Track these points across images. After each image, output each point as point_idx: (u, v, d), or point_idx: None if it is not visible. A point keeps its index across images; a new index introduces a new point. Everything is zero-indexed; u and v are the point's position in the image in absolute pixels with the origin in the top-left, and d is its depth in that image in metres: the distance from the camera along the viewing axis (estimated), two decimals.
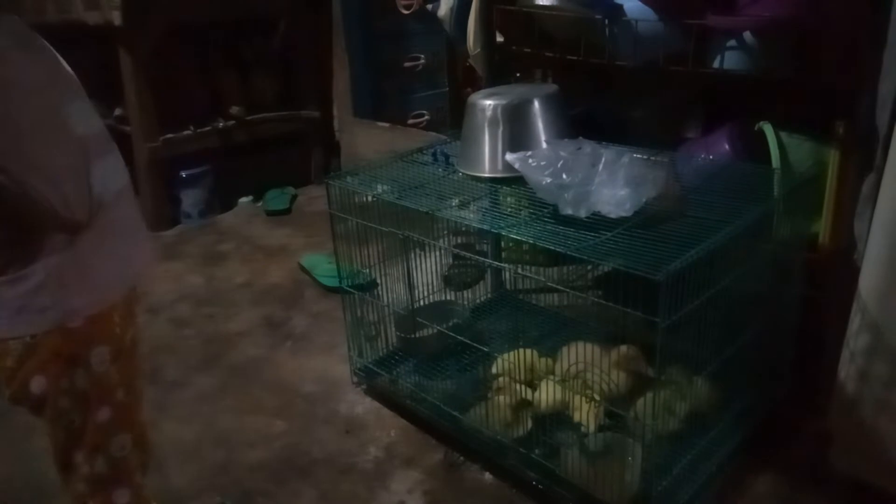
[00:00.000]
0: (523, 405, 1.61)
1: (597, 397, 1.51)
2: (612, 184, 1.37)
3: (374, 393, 1.94)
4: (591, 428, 1.51)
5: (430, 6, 2.64)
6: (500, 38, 2.17)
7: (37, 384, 1.09)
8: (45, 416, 1.13)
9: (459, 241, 1.98)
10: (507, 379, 1.68)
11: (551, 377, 1.64)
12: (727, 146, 1.72)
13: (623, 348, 1.59)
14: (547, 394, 1.56)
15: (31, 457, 1.79)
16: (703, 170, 1.61)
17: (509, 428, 1.60)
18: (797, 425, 1.66)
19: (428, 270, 1.92)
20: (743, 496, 1.53)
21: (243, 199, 3.44)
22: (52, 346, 1.07)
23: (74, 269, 1.07)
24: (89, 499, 1.16)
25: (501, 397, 1.64)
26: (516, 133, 1.65)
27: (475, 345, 1.67)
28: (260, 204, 3.40)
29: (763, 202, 1.43)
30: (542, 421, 1.59)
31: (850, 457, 1.48)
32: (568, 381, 1.59)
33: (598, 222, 1.36)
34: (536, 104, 1.67)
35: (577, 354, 1.60)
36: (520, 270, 1.87)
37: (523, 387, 1.65)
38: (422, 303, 1.96)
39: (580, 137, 1.54)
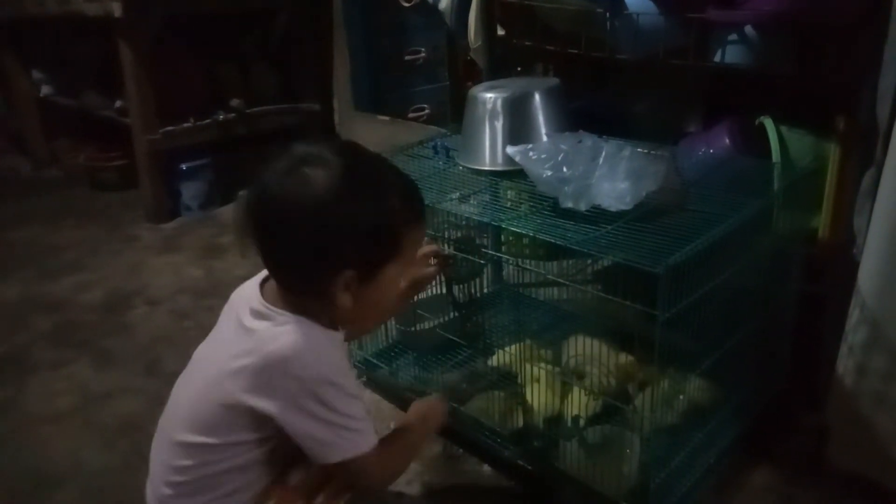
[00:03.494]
0: (521, 398, 1.62)
1: (595, 390, 1.52)
2: (612, 177, 1.37)
3: (374, 385, 1.94)
4: (585, 416, 1.51)
5: None
6: (501, 32, 2.16)
7: None
8: None
9: (459, 234, 1.98)
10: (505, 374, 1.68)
11: (545, 371, 1.64)
12: (728, 140, 1.72)
13: (622, 357, 1.59)
14: (544, 400, 1.57)
15: (33, 448, 1.80)
16: (703, 164, 1.61)
17: (507, 420, 1.61)
18: (795, 419, 1.66)
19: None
20: (740, 489, 1.53)
21: (243, 192, 3.43)
22: None
23: None
24: None
25: (499, 391, 1.65)
26: (517, 126, 1.65)
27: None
28: None
29: (763, 196, 1.43)
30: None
31: (848, 451, 1.49)
32: (568, 375, 1.59)
33: (598, 215, 1.36)
34: (537, 97, 1.66)
35: (578, 349, 1.60)
36: (520, 263, 1.87)
37: (522, 380, 1.65)
38: (422, 296, 1.96)
39: (581, 131, 1.54)
